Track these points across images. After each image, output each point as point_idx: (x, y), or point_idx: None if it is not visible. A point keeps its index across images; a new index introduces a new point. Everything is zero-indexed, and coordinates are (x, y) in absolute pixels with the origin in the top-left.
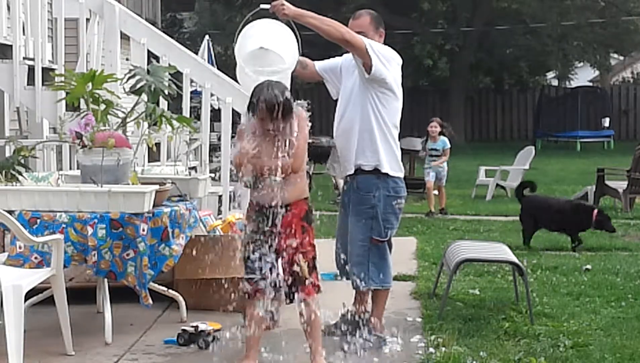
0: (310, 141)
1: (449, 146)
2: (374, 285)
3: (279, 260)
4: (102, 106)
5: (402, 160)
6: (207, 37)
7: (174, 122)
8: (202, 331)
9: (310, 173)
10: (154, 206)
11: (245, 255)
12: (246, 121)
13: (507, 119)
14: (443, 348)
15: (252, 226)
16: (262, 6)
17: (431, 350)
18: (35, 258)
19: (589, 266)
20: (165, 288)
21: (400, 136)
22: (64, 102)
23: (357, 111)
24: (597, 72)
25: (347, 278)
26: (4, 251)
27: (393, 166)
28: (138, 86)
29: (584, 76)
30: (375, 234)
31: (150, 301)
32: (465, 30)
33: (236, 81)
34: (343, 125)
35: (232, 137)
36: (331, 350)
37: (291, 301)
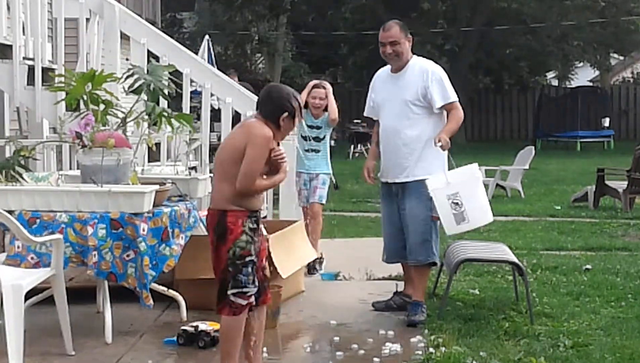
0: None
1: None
2: (435, 259)
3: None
4: (102, 106)
5: None
6: (207, 37)
7: (174, 122)
8: (202, 331)
9: None
10: (154, 206)
11: (244, 267)
12: (274, 128)
13: (507, 119)
14: (443, 348)
15: (251, 233)
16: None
17: (431, 350)
18: (32, 258)
19: (589, 266)
20: (165, 288)
21: None
22: (63, 102)
23: (418, 125)
24: (597, 72)
25: (398, 261)
26: (3, 251)
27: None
28: (137, 85)
29: (584, 76)
30: (434, 212)
31: (152, 301)
32: (465, 31)
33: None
34: (405, 135)
35: None
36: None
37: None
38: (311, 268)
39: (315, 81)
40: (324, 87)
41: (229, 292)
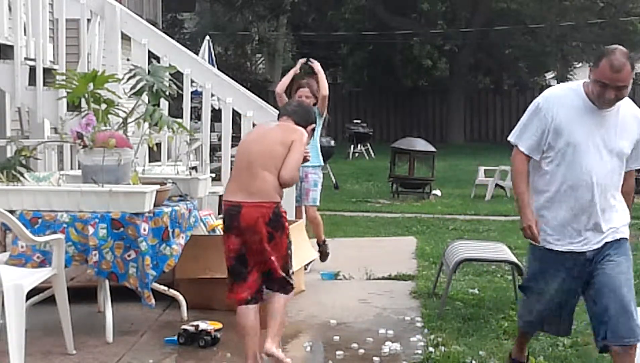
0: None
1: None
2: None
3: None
4: (103, 106)
5: (402, 160)
6: (207, 37)
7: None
8: (202, 330)
9: None
10: (154, 206)
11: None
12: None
13: (507, 119)
14: (442, 348)
15: None
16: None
17: (431, 349)
18: (38, 257)
19: None
20: (166, 288)
21: (401, 136)
22: (65, 102)
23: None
24: None
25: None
26: (5, 251)
27: None
28: (138, 86)
29: (583, 76)
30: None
31: (153, 300)
32: (465, 31)
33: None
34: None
35: (233, 137)
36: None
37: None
38: (324, 254)
39: (302, 61)
40: (309, 86)
41: (290, 274)
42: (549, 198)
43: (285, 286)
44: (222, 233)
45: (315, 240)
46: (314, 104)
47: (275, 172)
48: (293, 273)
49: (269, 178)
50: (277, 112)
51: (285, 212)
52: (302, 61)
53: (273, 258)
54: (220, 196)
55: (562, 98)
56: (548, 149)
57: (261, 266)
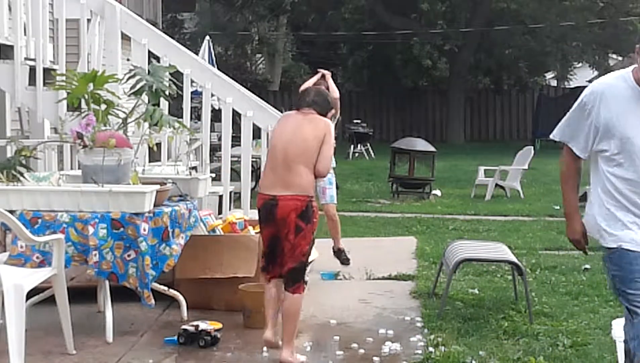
0: None
1: None
2: None
3: None
4: (103, 106)
5: (402, 160)
6: (207, 37)
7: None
8: (202, 330)
9: None
10: (154, 205)
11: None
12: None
13: (506, 119)
14: (442, 348)
15: None
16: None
17: (431, 349)
18: (37, 257)
19: (587, 266)
20: (165, 288)
21: (401, 136)
22: (64, 102)
23: None
24: (596, 73)
25: None
26: (5, 251)
27: None
28: (138, 86)
29: (583, 76)
30: None
31: (153, 300)
32: (465, 31)
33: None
34: None
35: (233, 137)
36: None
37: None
38: (344, 260)
39: (320, 74)
40: (326, 81)
41: (307, 272)
42: (614, 198)
43: (295, 279)
44: (221, 233)
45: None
46: None
47: (310, 166)
48: (308, 269)
49: (304, 172)
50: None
51: (317, 207)
52: (325, 71)
53: (295, 250)
54: (220, 196)
55: (611, 89)
56: (601, 146)
57: (287, 255)
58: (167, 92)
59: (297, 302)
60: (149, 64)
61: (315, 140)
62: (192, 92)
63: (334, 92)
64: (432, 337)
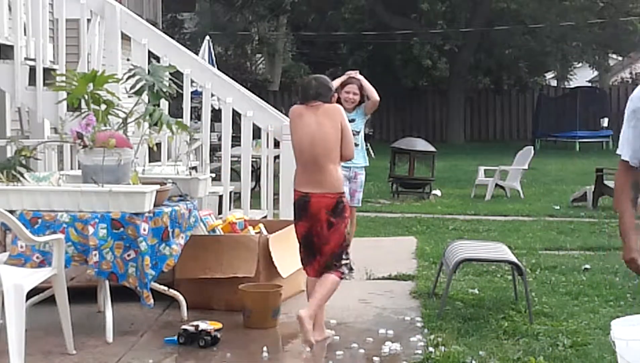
0: None
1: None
2: None
3: None
4: (103, 106)
5: (402, 160)
6: (207, 37)
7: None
8: (202, 330)
9: None
10: (154, 205)
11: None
12: None
13: (506, 119)
14: (442, 348)
15: None
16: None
17: (431, 349)
18: (37, 257)
19: (587, 266)
20: (165, 288)
21: (401, 136)
22: (64, 102)
23: None
24: (595, 73)
25: None
26: (5, 251)
27: None
28: (138, 85)
29: (582, 76)
30: None
31: (152, 300)
32: (465, 31)
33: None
34: None
35: (233, 137)
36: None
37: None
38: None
39: (349, 74)
40: (356, 82)
41: (343, 259)
42: None
43: (333, 265)
44: (221, 233)
45: None
46: (360, 102)
47: (337, 160)
48: (347, 260)
49: (333, 170)
50: (277, 112)
51: (347, 202)
52: (353, 73)
53: (330, 243)
54: (220, 196)
55: None
56: None
57: (322, 249)
58: (166, 92)
59: (334, 280)
60: (149, 64)
61: (336, 132)
62: (192, 92)
63: (373, 93)
64: (432, 337)
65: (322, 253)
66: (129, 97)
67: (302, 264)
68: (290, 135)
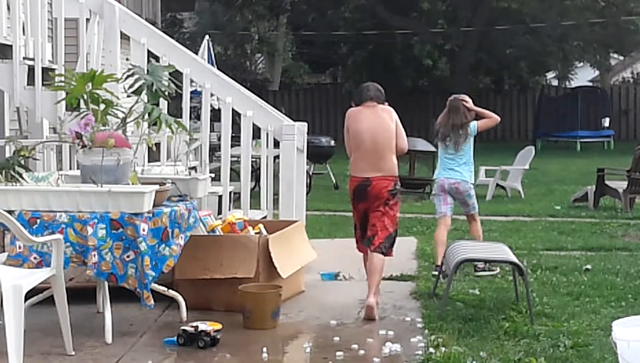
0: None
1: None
2: None
3: None
4: (102, 106)
5: (402, 160)
6: (207, 37)
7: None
8: (202, 331)
9: (310, 173)
10: (154, 206)
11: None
12: None
13: (507, 119)
14: (443, 348)
15: None
16: None
17: (431, 350)
18: (35, 258)
19: (589, 267)
20: (165, 288)
21: None
22: (63, 102)
23: None
24: (597, 72)
25: None
26: (4, 251)
27: None
28: (137, 85)
29: (584, 76)
30: None
31: (152, 301)
32: (465, 30)
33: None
34: None
35: (233, 137)
36: None
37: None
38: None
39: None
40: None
41: (388, 247)
42: None
43: (387, 245)
44: (221, 233)
45: (311, 241)
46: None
47: (394, 149)
48: (391, 246)
49: (391, 157)
50: (277, 112)
51: (401, 185)
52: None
53: (383, 221)
54: (220, 196)
55: None
56: None
57: (377, 224)
58: (165, 92)
59: (381, 260)
60: (148, 63)
61: (393, 125)
62: (191, 92)
63: (494, 117)
64: (432, 337)
65: (377, 230)
66: (128, 96)
67: (358, 242)
68: (346, 131)
